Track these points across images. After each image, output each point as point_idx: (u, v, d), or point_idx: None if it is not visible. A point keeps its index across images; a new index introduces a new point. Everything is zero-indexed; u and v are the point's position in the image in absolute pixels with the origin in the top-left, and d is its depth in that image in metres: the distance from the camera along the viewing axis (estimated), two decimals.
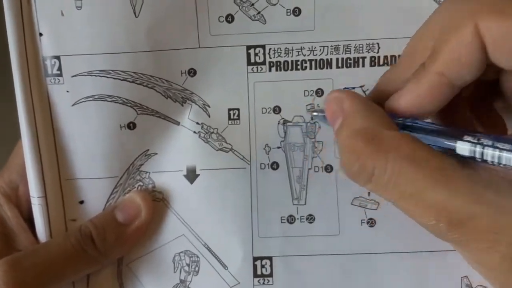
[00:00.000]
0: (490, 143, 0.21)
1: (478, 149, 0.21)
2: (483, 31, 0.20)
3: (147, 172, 0.34)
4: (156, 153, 0.34)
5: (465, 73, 0.21)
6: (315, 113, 0.30)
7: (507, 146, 0.20)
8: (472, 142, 0.21)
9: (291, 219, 0.33)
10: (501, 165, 0.21)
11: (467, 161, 0.22)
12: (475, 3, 0.21)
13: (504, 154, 0.20)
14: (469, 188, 0.21)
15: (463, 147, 0.22)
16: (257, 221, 0.33)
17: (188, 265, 0.33)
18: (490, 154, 0.21)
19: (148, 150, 0.34)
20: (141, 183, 0.34)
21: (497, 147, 0.21)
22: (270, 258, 0.33)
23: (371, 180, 0.22)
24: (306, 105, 0.33)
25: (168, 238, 0.34)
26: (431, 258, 0.32)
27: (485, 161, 0.21)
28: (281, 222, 0.33)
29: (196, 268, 0.33)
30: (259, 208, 0.33)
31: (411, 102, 0.23)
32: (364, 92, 0.33)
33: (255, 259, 0.33)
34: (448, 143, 0.22)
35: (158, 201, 0.34)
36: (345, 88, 0.33)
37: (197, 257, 0.33)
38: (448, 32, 0.21)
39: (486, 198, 0.20)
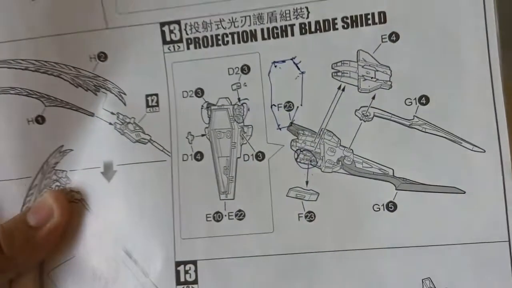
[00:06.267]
0: None
1: None
2: None
3: (63, 170, 0.31)
4: (72, 149, 0.31)
5: None
6: None
7: None
8: None
9: (218, 217, 0.29)
10: None
11: None
12: None
13: None
14: None
15: None
16: (180, 220, 0.29)
17: (107, 272, 0.29)
18: None
19: (62, 146, 0.31)
20: (58, 183, 0.31)
21: None
22: (194, 262, 0.28)
23: None
24: (232, 85, 0.29)
25: (87, 243, 0.30)
26: (384, 257, 0.27)
27: None
28: (207, 220, 0.29)
29: (116, 275, 0.29)
30: (182, 205, 0.29)
31: None
32: (296, 65, 0.28)
33: (177, 263, 0.29)
34: None
35: (76, 202, 0.30)
36: (274, 62, 0.29)
37: (117, 263, 0.29)
38: None
39: None
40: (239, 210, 0.29)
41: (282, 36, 0.28)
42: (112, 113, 0.30)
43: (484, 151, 0.26)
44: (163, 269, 0.29)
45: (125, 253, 0.29)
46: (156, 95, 0.30)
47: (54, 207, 0.29)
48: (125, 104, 0.30)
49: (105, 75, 0.30)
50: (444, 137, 0.27)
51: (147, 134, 0.30)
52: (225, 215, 0.29)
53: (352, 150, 0.28)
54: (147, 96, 0.30)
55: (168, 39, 0.29)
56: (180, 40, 0.29)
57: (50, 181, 0.31)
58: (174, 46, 0.29)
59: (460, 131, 0.27)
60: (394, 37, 0.27)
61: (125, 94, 0.30)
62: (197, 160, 0.29)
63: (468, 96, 0.26)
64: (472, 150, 0.26)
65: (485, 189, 0.26)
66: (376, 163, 0.27)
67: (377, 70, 0.28)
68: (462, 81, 0.27)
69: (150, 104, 0.30)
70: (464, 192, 0.26)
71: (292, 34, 0.28)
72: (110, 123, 0.30)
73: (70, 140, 0.30)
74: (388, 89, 0.27)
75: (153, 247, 0.29)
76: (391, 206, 0.27)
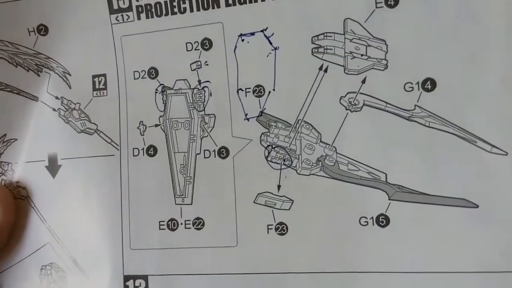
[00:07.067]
0: None
1: None
2: None
3: (8, 163, 0.27)
4: (16, 139, 0.27)
5: None
6: None
7: None
8: None
9: (172, 225, 0.24)
10: None
11: None
12: None
13: None
14: None
15: None
16: (129, 228, 0.24)
17: (55, 281, 0.26)
18: None
19: (5, 135, 0.27)
20: (4, 177, 0.27)
21: None
22: (145, 278, 0.24)
23: None
24: (191, 64, 0.24)
25: (34, 246, 0.26)
26: (370, 284, 0.22)
27: None
28: (160, 229, 0.24)
29: (63, 285, 0.26)
30: (132, 209, 0.24)
31: None
32: (268, 38, 0.23)
33: (126, 278, 0.24)
34: None
35: (23, 199, 0.27)
36: (241, 35, 0.23)
37: (64, 272, 0.26)
38: None
39: None
40: (198, 218, 0.24)
41: (250, 1, 0.23)
42: (57, 98, 0.26)
43: (506, 154, 0.20)
44: (111, 283, 0.25)
45: (72, 261, 0.25)
46: (104, 75, 0.25)
47: None
48: (70, 87, 0.25)
49: (47, 51, 0.26)
50: (453, 134, 0.20)
51: (94, 123, 0.25)
52: (181, 223, 0.24)
53: (335, 148, 0.22)
54: (93, 77, 0.25)
55: (115, 6, 0.24)
56: (130, 8, 0.24)
57: None
58: (123, 16, 0.24)
59: (475, 127, 0.20)
60: (392, 0, 0.21)
61: (69, 74, 0.25)
62: (150, 155, 0.24)
63: (488, 82, 0.20)
64: (490, 152, 0.20)
65: (505, 202, 0.20)
66: (365, 165, 0.22)
67: (369, 45, 0.21)
68: (480, 61, 0.20)
69: (97, 86, 0.25)
70: (477, 206, 0.20)
71: None
72: (54, 109, 0.26)
73: (13, 128, 0.27)
74: (383, 69, 0.21)
75: (100, 257, 0.25)
76: (382, 220, 0.21)
